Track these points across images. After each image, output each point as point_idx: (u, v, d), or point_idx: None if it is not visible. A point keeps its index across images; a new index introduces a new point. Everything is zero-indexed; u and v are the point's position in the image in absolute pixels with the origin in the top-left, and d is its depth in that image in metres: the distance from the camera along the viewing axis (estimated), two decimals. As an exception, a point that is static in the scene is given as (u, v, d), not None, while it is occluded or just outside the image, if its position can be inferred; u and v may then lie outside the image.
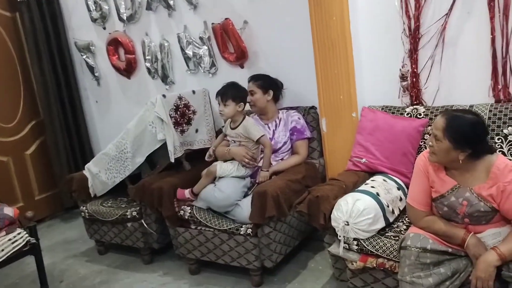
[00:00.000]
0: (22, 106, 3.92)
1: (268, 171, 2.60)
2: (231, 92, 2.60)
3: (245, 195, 2.60)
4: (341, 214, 2.03)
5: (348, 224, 2.01)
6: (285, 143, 2.77)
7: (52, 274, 2.98)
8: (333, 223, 2.07)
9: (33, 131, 4.01)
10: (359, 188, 2.18)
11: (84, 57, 3.90)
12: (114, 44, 3.70)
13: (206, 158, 2.77)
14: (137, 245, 2.96)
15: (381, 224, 2.05)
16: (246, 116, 2.66)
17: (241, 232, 2.45)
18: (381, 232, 2.07)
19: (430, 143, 1.79)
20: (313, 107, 2.89)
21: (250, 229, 2.42)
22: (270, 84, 2.82)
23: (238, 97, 2.61)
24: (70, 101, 4.05)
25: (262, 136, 2.58)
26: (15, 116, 3.88)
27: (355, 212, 1.99)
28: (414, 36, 2.49)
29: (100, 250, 3.23)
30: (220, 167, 2.58)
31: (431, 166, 1.88)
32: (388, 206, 2.12)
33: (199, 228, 2.62)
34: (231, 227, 2.48)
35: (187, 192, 2.67)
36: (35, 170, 4.00)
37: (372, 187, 2.18)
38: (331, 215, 2.08)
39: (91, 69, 3.93)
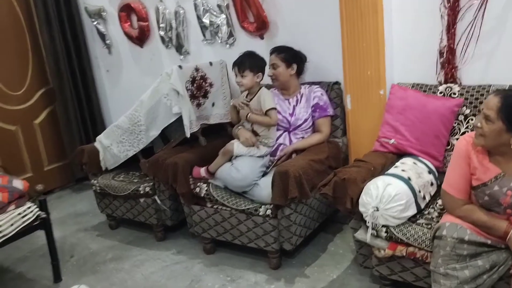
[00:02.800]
0: (30, 73, 3.78)
1: (250, 113, 2.48)
2: (248, 62, 2.45)
3: (264, 174, 2.48)
4: (370, 199, 1.90)
5: (377, 210, 1.89)
6: (306, 120, 2.62)
7: (63, 248, 2.91)
8: (361, 208, 1.95)
9: (42, 99, 3.88)
10: (389, 172, 2.05)
11: (95, 23, 3.73)
12: (127, 10, 3.52)
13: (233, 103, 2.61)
14: (149, 222, 2.87)
15: (412, 211, 1.93)
16: (263, 87, 2.51)
17: (260, 213, 2.34)
18: (412, 219, 1.94)
19: (479, 124, 1.64)
20: (337, 83, 2.73)
21: (270, 210, 2.31)
22: (294, 57, 2.65)
23: (256, 67, 2.46)
24: (80, 69, 3.90)
25: (271, 108, 2.44)
26: (23, 83, 3.75)
27: (386, 198, 1.87)
28: (453, 7, 2.30)
29: (111, 224, 3.15)
30: (238, 146, 2.45)
31: (474, 151, 1.73)
32: (419, 192, 1.99)
33: (215, 207, 2.51)
34: (250, 208, 2.37)
35: (203, 171, 2.55)
36: (44, 140, 3.91)
37: (403, 170, 2.04)
38: (359, 200, 1.96)
39: (102, 36, 3.77)
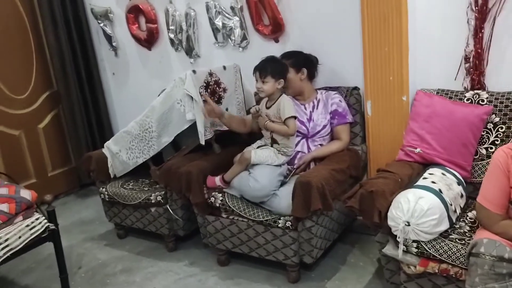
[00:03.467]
0: (34, 76, 3.67)
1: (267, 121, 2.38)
2: (270, 67, 2.34)
3: (282, 183, 2.38)
4: (401, 213, 1.80)
5: (409, 225, 1.78)
6: (324, 126, 2.53)
7: (70, 259, 2.81)
8: (390, 223, 1.85)
9: (47, 103, 3.77)
10: (419, 183, 1.95)
11: (102, 25, 3.62)
12: (135, 12, 3.41)
13: (251, 111, 2.48)
14: (161, 232, 2.76)
15: (445, 225, 1.83)
16: (283, 94, 2.41)
17: (279, 225, 2.24)
18: (444, 234, 1.84)
19: None
20: (356, 88, 2.63)
21: (290, 222, 2.21)
22: (303, 62, 2.55)
23: (278, 73, 2.35)
24: (87, 72, 3.80)
25: (291, 117, 2.32)
26: (27, 87, 3.64)
27: (418, 212, 1.77)
28: (481, 10, 2.20)
29: (119, 234, 3.04)
30: (255, 154, 2.34)
31: (514, 163, 1.63)
32: (451, 205, 1.89)
33: (231, 217, 2.41)
34: (268, 219, 2.27)
35: (217, 180, 2.45)
36: (48, 144, 3.80)
37: (433, 182, 1.94)
38: (388, 213, 1.86)
39: (109, 38, 3.66)
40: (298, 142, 2.52)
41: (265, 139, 2.45)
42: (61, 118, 3.80)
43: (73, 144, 3.76)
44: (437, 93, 2.33)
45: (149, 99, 2.86)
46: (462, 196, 2.03)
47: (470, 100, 2.23)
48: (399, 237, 1.82)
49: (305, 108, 2.58)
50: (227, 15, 2.98)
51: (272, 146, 2.40)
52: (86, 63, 3.77)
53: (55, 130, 3.82)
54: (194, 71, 2.53)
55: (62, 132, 3.80)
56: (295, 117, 2.33)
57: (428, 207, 1.77)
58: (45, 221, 2.30)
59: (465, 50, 2.31)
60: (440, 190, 1.88)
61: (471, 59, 2.30)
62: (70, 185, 3.97)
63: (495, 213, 1.68)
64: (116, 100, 3.95)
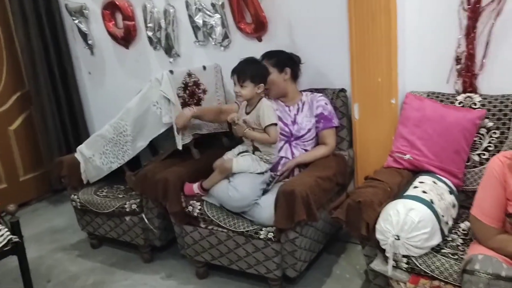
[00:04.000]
0: (5, 75, 3.46)
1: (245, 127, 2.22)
2: (250, 71, 2.18)
3: (264, 191, 2.24)
4: (390, 226, 1.68)
5: (398, 239, 1.66)
6: (309, 130, 2.39)
7: (38, 271, 2.63)
8: (379, 236, 1.72)
9: (18, 104, 3.57)
10: (409, 193, 1.82)
11: (76, 21, 3.43)
12: (111, 8, 3.23)
13: (228, 119, 2.32)
14: (136, 242, 2.60)
15: (437, 239, 1.71)
16: (263, 99, 2.26)
17: (261, 236, 2.10)
18: (436, 248, 1.73)
19: None
20: (343, 90, 2.50)
21: (272, 233, 2.07)
22: (286, 61, 2.41)
23: (258, 77, 2.20)
24: (60, 71, 3.60)
25: (272, 124, 2.16)
26: (-4, 87, 3.44)
27: (409, 225, 1.65)
28: (473, 9, 2.09)
29: (93, 243, 2.87)
30: (237, 163, 2.19)
31: (511, 173, 1.52)
32: (443, 216, 1.77)
33: (210, 227, 2.26)
34: (249, 230, 2.12)
35: (195, 187, 2.30)
36: (19, 147, 3.59)
37: (424, 192, 1.82)
38: (377, 226, 1.74)
39: (84, 36, 3.47)
40: (282, 146, 2.38)
41: (246, 146, 2.30)
42: (33, 119, 3.59)
43: (45, 148, 3.56)
44: (428, 96, 2.21)
45: (126, 100, 2.68)
46: (454, 206, 1.92)
47: (462, 104, 2.12)
48: (388, 252, 1.69)
49: (289, 110, 2.44)
50: (207, 12, 2.83)
51: (253, 153, 2.25)
52: (59, 62, 3.57)
53: (27, 132, 3.61)
54: (171, 71, 2.38)
55: (35, 135, 3.60)
56: (276, 124, 2.18)
57: (419, 219, 1.65)
58: (8, 233, 2.12)
59: (456, 50, 2.19)
60: (431, 201, 1.77)
61: (462, 61, 2.19)
62: (43, 191, 3.77)
63: (491, 227, 1.56)
64: (93, 100, 3.76)
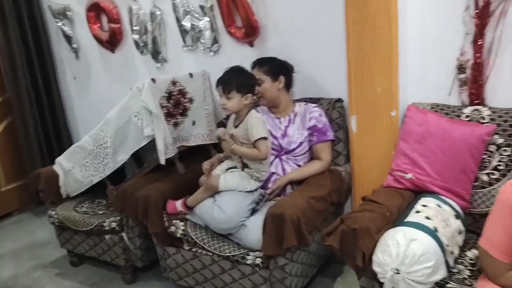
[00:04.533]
0: (-17, 80, 3.30)
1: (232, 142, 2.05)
2: (236, 81, 2.00)
3: (253, 210, 2.06)
4: (389, 258, 1.49)
5: (398, 273, 1.48)
6: (300, 143, 2.21)
7: (12, 292, 2.46)
8: (376, 268, 1.54)
9: (-1, 110, 3.40)
10: (410, 219, 1.64)
11: (60, 24, 3.26)
12: (95, 10, 3.06)
13: (215, 135, 2.19)
14: (116, 262, 2.43)
15: (442, 273, 1.52)
16: (252, 110, 2.07)
17: (248, 262, 1.92)
18: (440, 282, 1.54)
19: None
20: (339, 100, 2.32)
21: (260, 259, 1.89)
22: (279, 69, 2.23)
23: (245, 87, 2.01)
24: (43, 76, 3.43)
25: (261, 138, 1.98)
26: (-25, 93, 3.26)
27: (410, 258, 1.46)
28: (481, 13, 1.90)
29: (73, 261, 2.69)
30: (224, 180, 2.01)
31: (526, 204, 1.33)
32: (448, 246, 1.59)
33: (194, 250, 2.08)
34: (235, 254, 1.94)
35: (179, 204, 2.12)
36: (1, 156, 3.43)
37: (427, 218, 1.64)
38: (374, 257, 1.55)
39: (68, 39, 3.30)
40: (272, 161, 2.20)
41: (235, 161, 2.12)
42: (15, 127, 3.41)
43: (28, 157, 3.38)
44: (431, 108, 2.03)
45: (112, 107, 2.50)
46: (460, 232, 1.73)
47: (469, 118, 1.93)
48: (386, 287, 1.51)
49: (280, 123, 2.26)
50: (196, 15, 2.65)
51: (243, 170, 2.07)
52: (42, 66, 3.39)
53: (8, 140, 3.44)
54: (153, 80, 2.20)
55: (17, 143, 3.42)
56: (266, 138, 2.00)
57: (422, 252, 1.47)
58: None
59: (461, 58, 2.01)
60: (435, 229, 1.58)
61: (468, 70, 2.01)
62: (26, 201, 3.59)
63: (502, 262, 1.38)
64: (77, 107, 3.58)
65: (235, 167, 2.12)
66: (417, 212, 1.69)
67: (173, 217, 2.15)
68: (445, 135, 1.87)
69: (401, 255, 1.47)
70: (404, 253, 1.47)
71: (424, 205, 1.75)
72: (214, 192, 2.04)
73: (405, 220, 1.63)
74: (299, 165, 2.22)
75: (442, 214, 1.71)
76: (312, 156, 2.25)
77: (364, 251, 1.57)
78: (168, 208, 2.14)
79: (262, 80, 2.20)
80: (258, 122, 1.99)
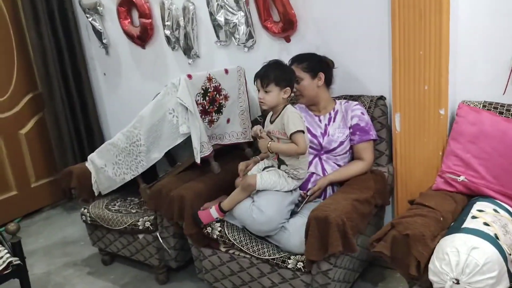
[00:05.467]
0: (15, 76, 3.29)
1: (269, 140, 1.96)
2: (274, 74, 1.91)
3: (292, 213, 1.98)
4: (447, 267, 1.39)
5: (458, 283, 1.38)
6: (341, 143, 2.12)
7: (45, 290, 2.44)
8: (433, 277, 1.45)
9: (30, 106, 3.39)
10: (468, 225, 1.54)
11: (90, 19, 3.22)
12: (127, 5, 3.01)
13: (252, 133, 2.10)
14: (149, 262, 2.38)
15: (505, 284, 1.42)
16: (289, 105, 1.98)
17: (289, 266, 1.84)
18: (502, 293, 1.44)
19: None
20: (382, 98, 2.21)
21: (302, 263, 1.81)
22: (319, 65, 2.13)
23: (284, 80, 1.93)
24: (74, 72, 3.41)
25: (298, 131, 1.87)
26: (8, 88, 3.25)
27: (471, 268, 1.36)
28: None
29: (104, 260, 2.65)
30: (261, 179, 1.93)
31: None
32: (510, 255, 1.47)
33: (231, 252, 2.01)
34: (275, 258, 1.87)
35: (213, 211, 2.02)
36: (31, 152, 3.42)
37: (486, 224, 1.53)
38: (430, 265, 1.46)
39: (99, 34, 3.26)
40: (311, 161, 2.11)
41: (271, 160, 2.04)
42: (45, 123, 3.41)
43: (59, 153, 3.37)
44: (484, 106, 1.91)
45: (142, 104, 2.45)
46: (519, 239, 1.62)
47: (525, 117, 1.81)
48: (444, 298, 1.41)
49: (320, 121, 2.17)
50: (230, 9, 2.56)
51: (279, 168, 1.99)
52: (73, 62, 3.38)
53: (39, 136, 3.44)
54: (189, 76, 2.13)
55: (47, 139, 3.41)
56: (303, 132, 1.90)
57: (485, 261, 1.37)
58: (8, 255, 1.92)
59: (515, 54, 1.89)
60: (496, 236, 1.48)
61: (525, 66, 1.89)
62: (57, 197, 3.58)
63: None
64: (108, 103, 3.55)
65: (271, 166, 2.04)
66: (474, 217, 1.59)
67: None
68: (502, 135, 1.75)
69: (461, 264, 1.37)
70: (465, 262, 1.37)
71: (480, 210, 1.64)
72: (251, 191, 1.97)
73: (462, 227, 1.53)
74: (339, 165, 2.13)
75: (500, 220, 1.60)
76: (353, 156, 2.16)
77: (419, 259, 1.48)
78: (202, 219, 2.03)
79: (301, 77, 2.11)
80: (295, 115, 1.90)
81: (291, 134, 1.89)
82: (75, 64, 3.40)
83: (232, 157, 2.42)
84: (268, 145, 1.95)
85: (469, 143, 1.81)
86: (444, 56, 1.91)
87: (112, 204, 2.54)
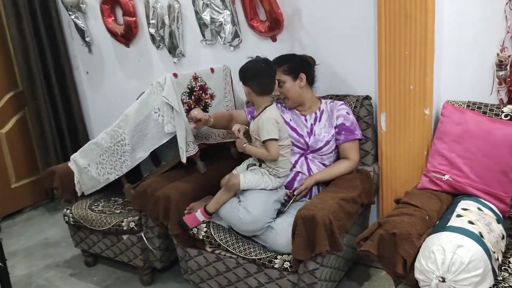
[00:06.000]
0: (-4, 74, 3.22)
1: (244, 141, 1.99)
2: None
3: (279, 212, 1.98)
4: (433, 265, 1.40)
5: (444, 281, 1.39)
6: (327, 142, 2.12)
7: (27, 292, 2.38)
8: (419, 276, 1.45)
9: (10, 105, 3.33)
10: (453, 224, 1.55)
11: (73, 17, 3.17)
12: (110, 3, 2.97)
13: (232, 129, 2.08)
14: (134, 263, 2.35)
15: (489, 281, 1.43)
16: (268, 107, 1.95)
17: (276, 266, 1.83)
18: (486, 290, 1.45)
19: None
20: (367, 98, 2.22)
21: (288, 263, 1.80)
22: (300, 66, 2.12)
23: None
24: (56, 70, 3.36)
25: (270, 140, 1.87)
26: (-13, 86, 3.19)
27: (457, 266, 1.37)
28: (524, 8, 1.81)
29: (87, 261, 2.61)
30: (245, 179, 1.92)
31: None
32: (494, 253, 1.49)
33: (217, 252, 2.00)
34: (262, 258, 1.86)
35: (199, 215, 2.01)
36: (11, 152, 3.35)
37: (471, 222, 1.55)
38: (416, 263, 1.46)
39: (81, 32, 3.21)
40: (297, 160, 2.11)
41: (253, 158, 2.04)
42: (27, 122, 3.34)
43: (40, 152, 3.30)
44: (468, 106, 1.93)
45: (127, 103, 2.44)
46: (503, 237, 1.65)
47: (509, 117, 1.83)
48: (430, 296, 1.42)
49: (306, 120, 2.17)
50: (216, 8, 2.55)
51: (260, 166, 1.98)
52: (56, 60, 3.32)
53: (20, 135, 3.37)
54: (175, 75, 2.11)
55: (28, 138, 3.36)
56: (276, 140, 1.89)
57: (470, 259, 1.37)
58: (-13, 257, 1.87)
59: (497, 54, 1.92)
60: (481, 234, 1.49)
61: (507, 66, 1.91)
62: (38, 197, 3.52)
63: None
64: (91, 102, 3.50)
65: (255, 164, 2.04)
66: (459, 216, 1.60)
67: (195, 219, 2.06)
68: (486, 135, 1.77)
69: (447, 263, 1.38)
70: (451, 260, 1.38)
71: (464, 209, 1.66)
72: (235, 191, 1.96)
73: (448, 225, 1.54)
74: (325, 165, 2.13)
75: (484, 218, 1.62)
76: (339, 155, 2.16)
77: (405, 257, 1.48)
78: (189, 224, 2.00)
79: (283, 80, 2.10)
80: (269, 123, 1.87)
81: (264, 141, 1.89)
82: (57, 62, 3.35)
83: (218, 157, 2.40)
84: (244, 146, 1.96)
85: (453, 143, 1.83)
86: (429, 56, 1.93)
87: (95, 204, 2.50)
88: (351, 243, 2.03)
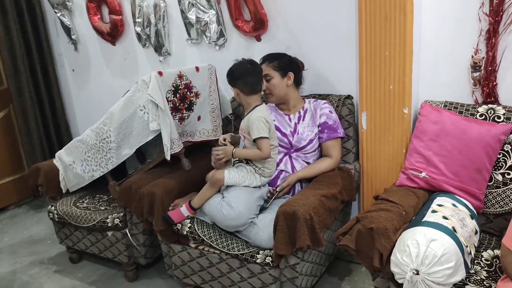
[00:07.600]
0: (-20, 72, 3.21)
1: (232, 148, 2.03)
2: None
3: (261, 208, 2.02)
4: (408, 259, 1.46)
5: (418, 274, 1.44)
6: (311, 141, 2.17)
7: (11, 289, 2.39)
8: (395, 269, 1.50)
9: (-5, 102, 3.31)
10: (428, 219, 1.60)
11: (59, 15, 3.16)
12: (96, 1, 2.98)
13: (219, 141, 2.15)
14: (119, 259, 2.37)
15: (461, 274, 1.49)
16: (259, 106, 2.00)
17: (258, 261, 1.87)
18: (459, 283, 1.51)
19: None
20: (349, 97, 2.27)
21: (270, 258, 1.85)
22: (289, 65, 2.19)
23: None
24: (42, 68, 3.35)
25: (261, 138, 1.92)
26: (-28, 83, 3.17)
27: (430, 259, 1.42)
28: (496, 11, 1.87)
29: (72, 258, 2.62)
30: (229, 175, 1.97)
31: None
32: (466, 247, 1.56)
33: (200, 248, 2.03)
34: (244, 253, 1.90)
35: (184, 210, 2.04)
36: (-4, 149, 3.34)
37: (445, 217, 1.61)
38: (392, 257, 1.52)
39: (67, 30, 3.21)
40: (281, 159, 2.16)
41: None
42: (12, 119, 3.33)
43: (26, 149, 3.30)
44: (445, 106, 1.99)
45: (112, 100, 2.44)
46: (476, 232, 1.71)
47: (484, 116, 1.90)
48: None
49: (290, 120, 2.21)
50: (202, 7, 2.58)
51: (247, 164, 2.02)
52: (41, 58, 3.32)
53: (5, 133, 3.35)
54: (160, 73, 2.13)
55: (13, 136, 3.34)
56: (267, 138, 1.93)
57: (442, 252, 1.43)
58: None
59: (475, 56, 1.98)
60: (454, 229, 1.55)
61: (482, 68, 1.98)
62: (22, 195, 3.51)
63: (526, 261, 1.35)
64: (77, 100, 3.50)
65: (241, 161, 2.08)
66: (434, 211, 1.66)
67: (180, 215, 2.09)
68: (462, 134, 1.83)
69: (421, 256, 1.43)
70: (424, 253, 1.43)
71: (440, 205, 1.72)
72: (219, 187, 2.00)
73: (423, 220, 1.60)
74: (308, 163, 2.18)
75: (458, 214, 1.68)
76: (322, 153, 2.21)
77: (382, 251, 1.54)
78: (174, 218, 2.04)
79: (270, 76, 2.15)
80: (259, 121, 1.92)
81: (255, 139, 1.93)
82: (43, 60, 3.34)
83: (202, 154, 2.43)
84: (233, 151, 1.99)
85: (430, 141, 1.89)
86: (408, 57, 1.98)
87: (80, 201, 2.52)
88: (331, 238, 2.08)
